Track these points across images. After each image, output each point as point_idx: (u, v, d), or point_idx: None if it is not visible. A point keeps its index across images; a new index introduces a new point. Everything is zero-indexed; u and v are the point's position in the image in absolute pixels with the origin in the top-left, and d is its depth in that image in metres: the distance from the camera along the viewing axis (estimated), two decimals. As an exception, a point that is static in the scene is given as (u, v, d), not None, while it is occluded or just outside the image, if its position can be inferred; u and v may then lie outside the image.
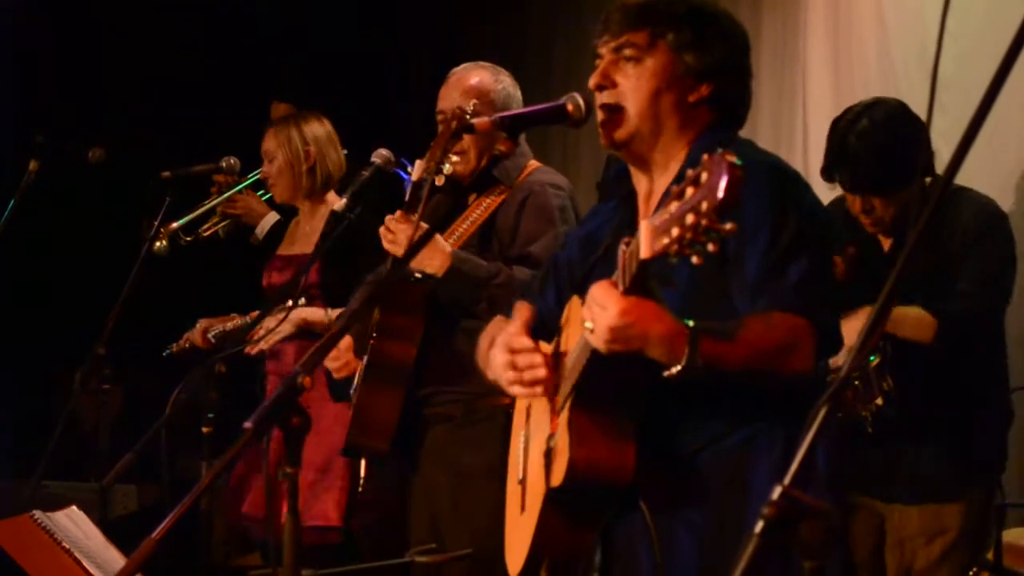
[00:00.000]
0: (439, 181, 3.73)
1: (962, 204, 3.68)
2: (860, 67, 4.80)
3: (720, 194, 1.90)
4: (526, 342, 2.57)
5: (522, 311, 2.75)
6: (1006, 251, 3.74)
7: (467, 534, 3.71)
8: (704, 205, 1.93)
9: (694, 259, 1.98)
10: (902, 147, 3.67)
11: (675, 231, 1.98)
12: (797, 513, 1.47)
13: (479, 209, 3.92)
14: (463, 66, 4.04)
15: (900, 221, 3.75)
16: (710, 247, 1.95)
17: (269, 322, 4.36)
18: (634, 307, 2.24)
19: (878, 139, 3.66)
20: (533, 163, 4.02)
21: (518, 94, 4.02)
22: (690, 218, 1.95)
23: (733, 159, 1.92)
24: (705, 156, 1.97)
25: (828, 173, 3.75)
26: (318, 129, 4.68)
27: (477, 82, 3.96)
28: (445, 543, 3.73)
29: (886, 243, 3.84)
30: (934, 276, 3.60)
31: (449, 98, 3.92)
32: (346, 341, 3.94)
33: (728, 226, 1.93)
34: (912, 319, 3.58)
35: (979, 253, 3.66)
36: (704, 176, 1.95)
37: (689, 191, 1.97)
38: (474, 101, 3.85)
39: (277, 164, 4.67)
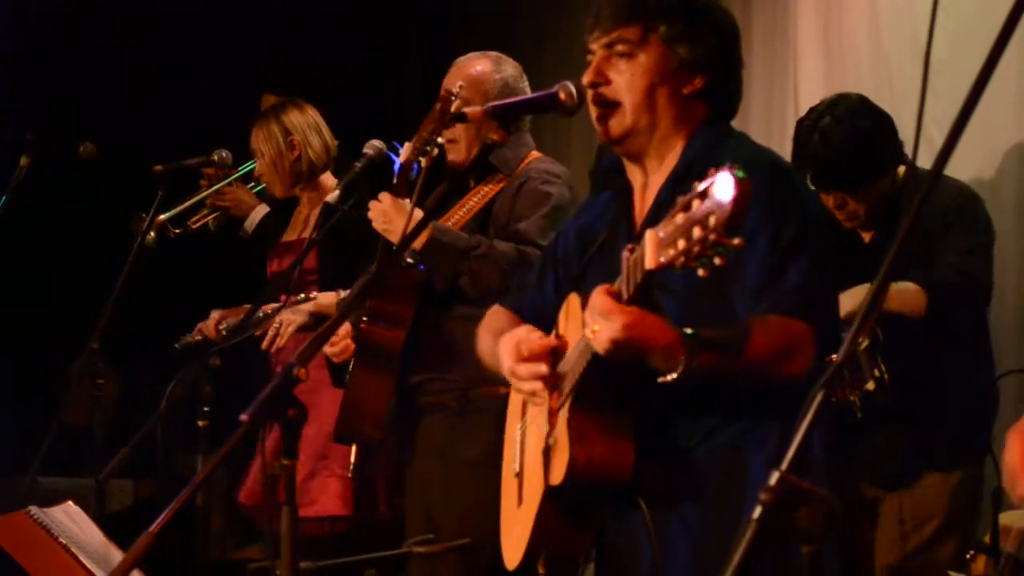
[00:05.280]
0: (424, 163, 3.72)
1: (939, 188, 3.70)
2: (851, 54, 4.79)
3: (729, 209, 1.89)
4: (536, 344, 2.52)
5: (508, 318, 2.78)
6: (984, 227, 3.77)
7: (461, 524, 3.70)
8: (712, 220, 1.92)
9: (700, 271, 1.97)
10: (866, 142, 3.72)
11: (681, 243, 1.98)
12: (795, 498, 1.48)
13: (476, 197, 3.90)
14: (469, 55, 4.01)
15: (875, 214, 3.79)
16: (716, 261, 1.94)
17: (285, 313, 4.33)
18: (637, 322, 2.25)
19: (841, 136, 3.70)
20: (534, 153, 3.99)
21: (522, 84, 3.98)
22: (697, 232, 1.94)
23: (741, 173, 1.90)
24: (712, 169, 1.95)
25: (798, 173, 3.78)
26: (298, 118, 4.65)
27: (477, 71, 3.93)
28: (439, 533, 3.73)
29: (866, 236, 3.86)
30: (912, 260, 3.62)
31: (452, 85, 3.88)
32: (345, 327, 3.93)
33: (736, 241, 1.91)
34: (902, 293, 3.60)
35: (960, 230, 3.70)
36: (712, 189, 1.93)
37: (696, 203, 1.96)
38: (460, 83, 3.83)
39: (265, 161, 4.67)
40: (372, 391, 3.83)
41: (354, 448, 4.00)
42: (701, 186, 1.96)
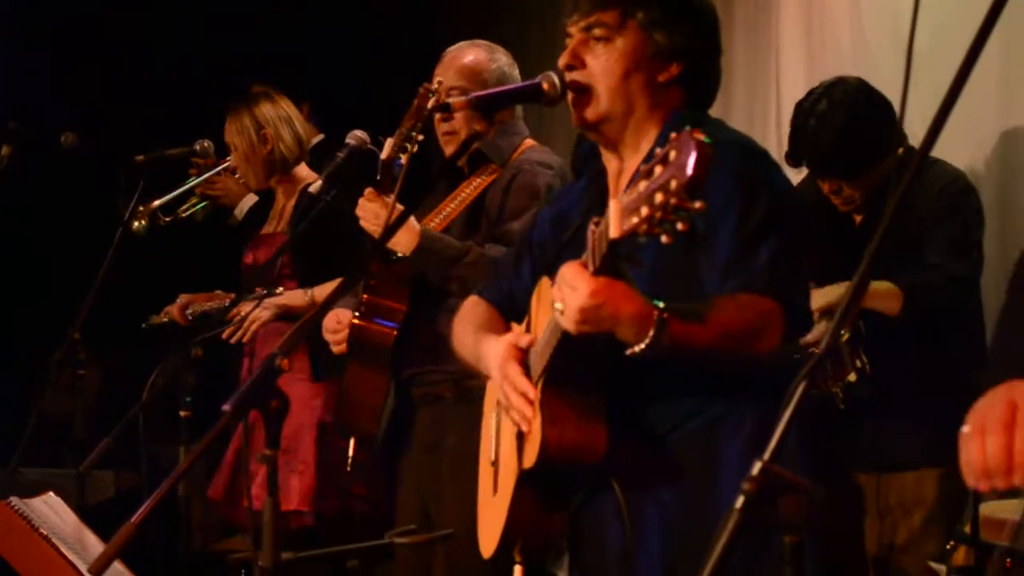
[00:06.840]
0: (405, 159, 3.70)
1: (932, 176, 3.68)
2: (833, 44, 4.79)
3: (689, 171, 1.90)
4: (523, 384, 2.49)
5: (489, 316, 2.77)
6: (973, 222, 3.71)
7: (461, 514, 3.68)
8: (673, 183, 1.93)
9: (663, 238, 1.98)
10: (863, 127, 3.64)
11: (644, 210, 1.98)
12: (777, 488, 1.48)
13: (468, 188, 3.86)
14: (458, 45, 3.97)
15: (871, 198, 3.75)
16: (679, 226, 1.96)
17: (245, 305, 4.34)
18: (604, 288, 2.24)
19: (838, 121, 3.63)
20: (528, 142, 3.95)
21: (514, 72, 3.96)
22: (659, 197, 1.95)
23: (701, 136, 1.91)
24: (673, 134, 1.96)
25: (794, 158, 3.74)
26: (269, 110, 4.63)
27: (471, 61, 3.90)
28: (437, 524, 3.71)
29: (858, 218, 3.84)
30: (902, 247, 3.60)
31: (443, 77, 3.85)
32: (347, 316, 3.91)
33: (697, 204, 1.92)
34: (878, 292, 3.58)
35: (946, 225, 3.65)
36: (672, 154, 1.95)
37: (658, 170, 1.97)
38: (439, 79, 3.80)
39: (238, 155, 4.66)
40: (368, 386, 3.82)
41: (352, 442, 3.99)
42: (663, 152, 1.97)
